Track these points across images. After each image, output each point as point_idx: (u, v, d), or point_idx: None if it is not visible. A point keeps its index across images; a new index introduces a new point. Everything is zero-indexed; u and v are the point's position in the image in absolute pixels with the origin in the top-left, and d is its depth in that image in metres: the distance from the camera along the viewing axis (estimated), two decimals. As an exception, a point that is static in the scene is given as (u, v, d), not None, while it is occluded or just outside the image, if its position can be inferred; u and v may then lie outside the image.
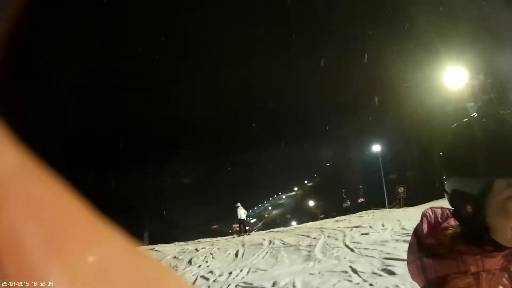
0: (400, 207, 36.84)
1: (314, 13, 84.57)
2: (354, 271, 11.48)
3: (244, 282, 12.18)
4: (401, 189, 41.57)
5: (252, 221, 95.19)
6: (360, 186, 63.53)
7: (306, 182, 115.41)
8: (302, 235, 21.20)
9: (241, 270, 14.21)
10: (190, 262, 17.59)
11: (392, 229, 17.48)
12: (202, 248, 21.87)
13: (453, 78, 29.58)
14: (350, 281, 10.60)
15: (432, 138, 38.50)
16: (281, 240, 20.08)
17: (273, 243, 19.60)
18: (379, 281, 9.98)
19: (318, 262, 13.59)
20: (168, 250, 23.17)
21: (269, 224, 74.74)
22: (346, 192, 66.62)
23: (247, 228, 35.42)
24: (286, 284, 11.26)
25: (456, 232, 1.51)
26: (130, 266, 0.44)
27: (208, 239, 28.55)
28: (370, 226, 19.81)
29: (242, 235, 29.43)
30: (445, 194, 1.57)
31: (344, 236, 18.02)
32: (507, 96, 26.46)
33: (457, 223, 1.55)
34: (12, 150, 0.43)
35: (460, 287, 1.38)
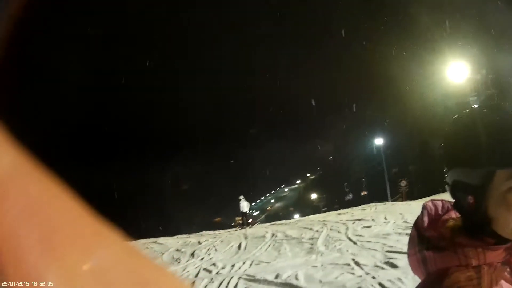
0: (402, 201, 36.83)
1: (315, 12, 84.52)
2: (357, 263, 11.49)
3: (246, 275, 12.19)
4: (403, 183, 41.61)
5: (255, 213, 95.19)
6: (363, 179, 63.45)
7: (308, 175, 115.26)
8: (304, 227, 21.21)
9: (244, 263, 14.22)
10: (192, 254, 17.62)
11: (394, 222, 17.47)
12: (205, 240, 21.90)
13: (455, 73, 29.51)
14: (353, 273, 10.61)
15: (434, 132, 38.50)
16: (284, 233, 20.09)
17: (276, 236, 19.62)
18: (381, 274, 9.99)
19: (321, 255, 13.60)
20: (171, 242, 23.21)
21: (271, 217, 74.75)
22: (348, 185, 66.63)
23: (250, 220, 35.38)
24: (288, 276, 11.26)
25: (457, 225, 1.50)
26: (128, 267, 0.46)
27: (211, 232, 28.55)
28: (372, 219, 19.80)
29: (245, 228, 29.45)
30: (446, 185, 1.56)
31: (347, 229, 18.02)
32: (508, 91, 26.38)
33: (458, 216, 1.54)
34: (10, 151, 0.44)
35: (461, 280, 1.36)
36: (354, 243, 14.50)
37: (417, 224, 1.60)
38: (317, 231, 18.99)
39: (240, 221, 35.07)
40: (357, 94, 72.95)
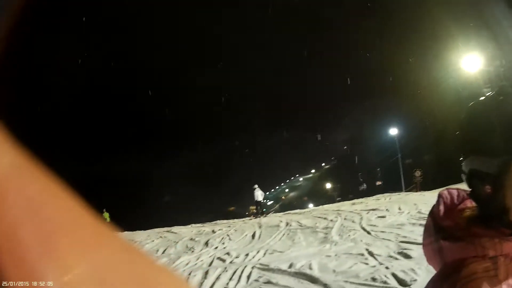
0: (416, 191, 36.74)
1: (332, 3, 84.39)
2: (371, 253, 11.48)
3: (260, 264, 12.21)
4: (418, 173, 41.53)
5: (269, 203, 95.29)
6: (378, 169, 63.36)
7: (323, 164, 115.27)
8: (319, 217, 21.22)
9: (258, 252, 14.25)
10: (206, 243, 17.67)
11: (408, 213, 17.44)
12: (219, 229, 21.96)
13: (470, 64, 29.38)
14: (366, 263, 10.60)
15: (449, 123, 38.35)
16: (298, 222, 20.11)
17: (290, 225, 19.64)
18: (395, 264, 9.98)
19: (335, 244, 13.61)
20: (185, 232, 23.28)
21: (286, 206, 74.84)
22: (362, 175, 66.61)
23: (263, 210, 35.39)
24: (302, 266, 11.28)
25: (474, 214, 1.46)
26: (128, 267, 0.45)
27: (225, 221, 28.64)
28: (386, 209, 19.78)
29: (259, 217, 29.49)
30: (462, 174, 1.53)
31: (361, 218, 18.02)
32: None
33: (474, 205, 1.49)
34: (9, 151, 0.43)
35: (478, 271, 1.33)
36: (368, 233, 14.49)
37: (433, 213, 1.57)
38: (331, 220, 19.00)
39: (254, 210, 35.06)
40: (373, 85, 72.81)
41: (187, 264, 13.97)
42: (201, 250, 16.37)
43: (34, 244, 0.39)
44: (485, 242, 1.38)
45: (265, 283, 10.30)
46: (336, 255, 12.09)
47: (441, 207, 1.55)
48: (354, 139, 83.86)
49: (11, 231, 0.39)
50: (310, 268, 10.88)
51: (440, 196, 1.59)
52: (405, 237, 12.77)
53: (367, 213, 19.38)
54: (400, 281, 8.70)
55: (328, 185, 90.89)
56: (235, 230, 20.80)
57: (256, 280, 10.64)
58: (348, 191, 68.77)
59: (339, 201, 45.95)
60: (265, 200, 44.12)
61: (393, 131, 54.68)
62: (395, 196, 30.00)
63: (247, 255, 14.00)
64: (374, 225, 15.78)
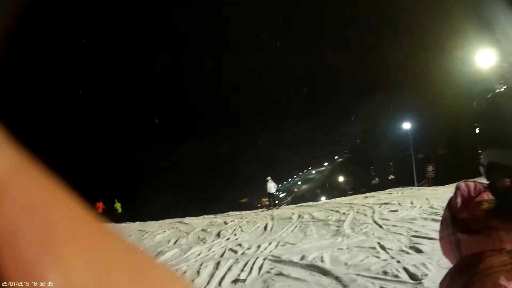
0: (429, 186, 36.64)
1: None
2: (382, 247, 11.47)
3: (272, 256, 12.21)
4: (430, 168, 41.38)
5: (282, 195, 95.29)
6: (391, 163, 63.18)
7: (336, 157, 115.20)
8: (331, 210, 21.23)
9: (270, 244, 14.25)
10: (218, 234, 17.69)
11: (420, 207, 17.41)
12: (231, 221, 22.00)
13: (484, 60, 29.22)
14: (378, 257, 10.60)
15: (462, 118, 38.18)
16: (310, 215, 20.12)
17: (302, 218, 19.66)
18: (406, 258, 9.97)
19: (347, 238, 13.60)
20: (197, 222, 23.33)
21: (298, 199, 74.85)
22: (375, 169, 66.46)
23: (276, 202, 35.33)
24: (314, 258, 11.27)
25: (491, 207, 1.46)
26: (128, 266, 0.46)
27: (237, 212, 28.64)
28: (399, 203, 19.77)
29: (272, 209, 29.50)
30: (480, 167, 1.52)
31: (373, 212, 18.01)
32: None
33: (491, 198, 1.49)
34: (9, 151, 0.44)
35: (496, 265, 1.33)
36: (380, 226, 14.48)
37: (451, 205, 1.57)
38: (343, 213, 19.00)
39: (267, 203, 35.03)
40: (387, 80, 72.63)
41: (198, 254, 13.99)
42: (213, 241, 16.39)
43: (34, 244, 0.39)
44: (503, 236, 1.38)
45: (276, 274, 10.31)
46: (348, 248, 12.09)
47: (459, 199, 1.55)
48: (367, 133, 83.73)
49: (11, 231, 0.39)
50: (322, 261, 10.88)
51: (457, 188, 1.59)
52: (416, 231, 12.76)
53: (379, 207, 19.37)
54: (412, 276, 8.70)
55: (341, 178, 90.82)
56: (247, 222, 20.83)
57: (268, 272, 10.65)
58: (360, 184, 68.66)
59: (351, 194, 45.93)
60: (277, 192, 44.07)
61: (407, 126, 54.45)
62: (407, 190, 30.00)
63: (259, 246, 14.02)
64: (386, 219, 15.77)
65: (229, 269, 11.49)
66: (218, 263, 12.22)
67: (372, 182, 61.05)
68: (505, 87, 1.51)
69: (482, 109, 1.52)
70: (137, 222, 29.39)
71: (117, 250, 0.46)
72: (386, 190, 33.10)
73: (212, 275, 11.16)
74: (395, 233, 13.09)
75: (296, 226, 17.46)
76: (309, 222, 17.94)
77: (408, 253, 10.50)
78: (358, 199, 27.94)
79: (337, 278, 9.26)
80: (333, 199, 33.65)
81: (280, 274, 10.31)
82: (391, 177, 55.18)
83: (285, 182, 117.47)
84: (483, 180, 1.55)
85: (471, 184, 1.58)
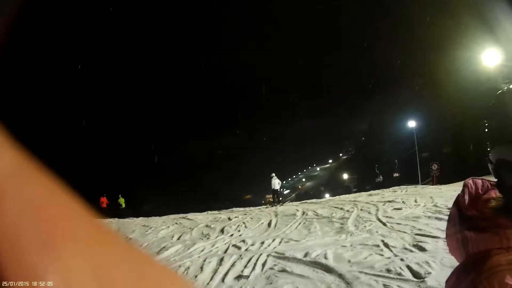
0: (433, 184, 36.61)
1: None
2: (386, 245, 11.48)
3: (276, 252, 12.23)
4: (434, 166, 41.32)
5: (286, 192, 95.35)
6: (396, 161, 63.18)
7: (340, 155, 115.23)
8: (335, 207, 21.25)
9: (273, 240, 14.27)
10: (222, 231, 17.72)
11: (424, 206, 17.42)
12: (235, 217, 22.03)
13: (490, 58, 29.19)
14: (382, 255, 10.61)
15: (467, 117, 38.15)
16: (314, 212, 20.14)
17: (306, 214, 19.67)
18: (410, 256, 9.97)
19: (351, 235, 13.61)
20: (201, 218, 23.35)
21: (302, 196, 74.88)
22: (379, 167, 66.47)
23: (280, 198, 35.31)
24: (318, 255, 11.28)
25: (499, 205, 1.44)
26: (128, 266, 0.45)
27: (241, 209, 28.68)
28: (403, 202, 19.79)
29: (276, 205, 29.51)
30: (488, 164, 1.51)
31: (377, 210, 18.03)
32: None
33: (499, 196, 1.48)
34: (9, 151, 0.44)
35: (503, 264, 1.32)
36: (384, 224, 14.49)
37: (458, 202, 1.56)
38: (347, 211, 19.03)
39: (271, 199, 35.02)
40: (393, 77, 72.53)
41: (202, 250, 14.02)
42: (217, 237, 16.42)
43: (34, 244, 0.39)
44: (510, 234, 1.38)
45: (280, 271, 10.33)
46: (351, 245, 12.10)
47: (466, 197, 1.54)
48: (372, 130, 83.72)
49: (11, 231, 0.39)
50: (326, 258, 10.89)
51: (465, 185, 1.58)
52: (420, 229, 12.77)
53: (383, 205, 19.39)
54: (415, 274, 8.70)
55: (345, 176, 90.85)
56: (251, 218, 20.86)
57: (271, 268, 10.67)
58: (365, 182, 68.68)
59: (355, 192, 45.92)
60: (282, 189, 44.07)
61: (411, 124, 54.41)
62: (411, 188, 30.02)
63: (262, 243, 14.04)
64: (390, 217, 15.78)
65: (232, 265, 11.51)
66: (221, 259, 12.24)
67: (376, 180, 61.08)
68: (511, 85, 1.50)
69: (490, 107, 1.51)
70: (141, 218, 29.45)
71: (117, 250, 0.46)
72: (390, 188, 33.12)
73: (215, 271, 11.18)
74: (399, 231, 13.10)
75: (300, 223, 17.47)
76: (313, 219, 17.95)
77: (411, 251, 10.51)
78: (362, 196, 27.96)
79: (340, 275, 9.27)
80: (337, 197, 33.66)
81: (283, 270, 10.33)
82: (395, 174, 55.20)
83: (289, 179, 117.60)
84: (491, 178, 1.54)
85: (479, 182, 1.57)
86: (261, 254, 12.15)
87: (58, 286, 0.38)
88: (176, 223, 22.22)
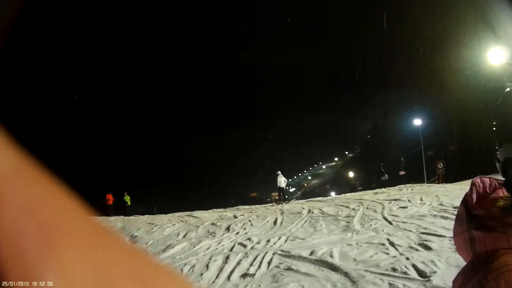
0: (438, 183, 36.55)
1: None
2: (392, 244, 11.48)
3: (281, 250, 12.23)
4: (440, 165, 41.24)
5: (292, 190, 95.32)
6: (402, 159, 63.08)
7: (346, 153, 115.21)
8: (341, 205, 21.22)
9: (279, 238, 14.27)
10: (228, 228, 17.72)
11: (430, 204, 17.40)
12: (241, 215, 21.99)
13: (495, 57, 29.12)
14: (387, 253, 10.60)
15: (473, 116, 38.09)
16: (320, 210, 20.13)
17: (312, 213, 19.66)
18: (415, 255, 9.97)
19: (356, 233, 13.61)
20: (206, 216, 23.32)
21: (308, 194, 74.88)
22: (385, 166, 66.40)
23: (286, 196, 35.31)
24: (323, 253, 11.30)
25: (507, 204, 1.41)
26: (128, 266, 0.46)
27: (247, 207, 28.62)
28: (408, 200, 19.76)
29: (281, 203, 29.50)
30: (496, 163, 1.50)
31: (383, 208, 18.02)
32: None
33: (507, 195, 1.45)
34: (9, 152, 0.44)
35: (510, 263, 1.29)
36: (390, 223, 14.49)
37: (466, 201, 1.54)
38: (353, 209, 19.02)
39: (277, 197, 35.00)
40: (399, 76, 72.44)
41: (208, 248, 14.03)
42: (223, 235, 16.42)
43: (34, 245, 0.39)
44: None
45: (285, 269, 10.34)
46: (357, 244, 12.10)
47: (474, 195, 1.52)
48: (378, 128, 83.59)
49: (11, 231, 0.39)
50: (331, 256, 10.90)
51: (473, 184, 1.56)
52: (426, 228, 12.76)
53: (389, 203, 19.38)
54: (420, 273, 8.71)
55: (351, 174, 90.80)
56: (257, 216, 20.83)
57: (277, 267, 10.68)
58: (370, 180, 68.64)
59: (360, 190, 45.88)
60: (287, 187, 44.06)
61: (417, 122, 54.32)
62: (417, 187, 29.99)
63: (268, 241, 14.04)
64: (396, 215, 15.78)
65: (238, 263, 11.52)
66: (227, 257, 12.25)
67: (381, 178, 60.94)
68: None
69: (498, 105, 1.51)
70: (146, 215, 29.46)
71: (117, 250, 0.46)
72: (396, 187, 33.12)
73: (221, 269, 11.20)
74: (404, 229, 13.10)
75: (306, 221, 17.47)
76: (319, 217, 17.95)
77: (417, 250, 10.51)
78: (368, 194, 27.92)
79: (346, 274, 9.28)
80: (343, 195, 33.62)
81: (289, 269, 10.34)
82: (402, 173, 55.11)
83: (295, 177, 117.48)
84: (498, 177, 1.54)
85: (487, 180, 1.56)
86: (266, 252, 12.16)
87: (58, 287, 0.38)
88: (181, 220, 22.21)
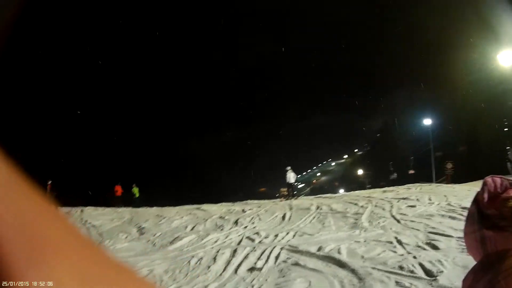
0: (447, 183, 36.45)
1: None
2: (399, 242, 11.49)
3: (289, 245, 12.27)
4: (449, 165, 41.12)
5: (301, 186, 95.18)
6: (411, 158, 62.89)
7: (356, 150, 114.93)
8: (349, 202, 21.24)
9: (287, 233, 14.32)
10: (236, 222, 17.76)
11: (438, 204, 17.36)
12: (249, 209, 22.03)
13: (506, 59, 29.05)
14: (395, 252, 10.62)
15: (483, 117, 37.99)
16: (329, 206, 20.14)
17: (321, 209, 19.69)
18: (422, 254, 9.98)
19: (364, 231, 13.64)
20: (215, 210, 23.32)
21: (317, 190, 74.74)
22: (394, 164, 66.22)
23: (294, 192, 35.29)
24: (331, 250, 11.32)
25: None
26: (115, 281, 0.47)
27: (256, 201, 28.62)
28: (417, 199, 19.73)
29: (290, 199, 29.51)
30: (508, 163, 1.49)
31: (391, 206, 18.02)
32: None
33: None
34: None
35: None
36: (398, 221, 14.51)
37: (478, 200, 1.52)
38: (362, 206, 19.03)
39: (285, 192, 34.97)
40: (409, 75, 72.18)
41: (215, 241, 14.08)
42: (231, 228, 16.48)
43: (22, 259, 0.40)
44: None
45: (293, 264, 10.37)
46: (365, 241, 12.14)
47: (486, 195, 1.51)
48: (387, 127, 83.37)
49: (1, 246, 0.40)
50: (339, 253, 10.93)
51: (484, 183, 1.54)
52: (433, 228, 12.76)
53: (398, 202, 19.37)
54: (427, 272, 8.72)
55: (360, 172, 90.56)
56: (266, 211, 20.86)
57: (284, 261, 10.72)
58: (379, 178, 68.47)
59: (369, 188, 45.83)
60: (296, 183, 43.98)
61: (427, 122, 54.13)
62: (426, 186, 29.87)
63: (276, 236, 14.09)
64: (404, 214, 15.77)
65: (245, 257, 11.57)
66: (235, 251, 12.31)
67: (390, 176, 60.82)
68: None
69: (510, 106, 1.50)
70: (155, 207, 29.46)
71: (102, 265, 0.48)
72: (405, 185, 33.00)
73: (228, 262, 11.25)
74: (412, 228, 13.11)
75: (314, 217, 17.51)
76: (327, 214, 17.99)
77: (424, 249, 10.52)
78: (376, 192, 27.91)
79: (353, 271, 9.30)
80: (351, 192, 33.64)
81: (296, 264, 10.37)
82: (411, 171, 54.97)
83: (304, 173, 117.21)
84: (510, 177, 1.55)
85: (498, 180, 1.53)
86: (274, 247, 12.20)
87: None
88: (190, 213, 22.20)
